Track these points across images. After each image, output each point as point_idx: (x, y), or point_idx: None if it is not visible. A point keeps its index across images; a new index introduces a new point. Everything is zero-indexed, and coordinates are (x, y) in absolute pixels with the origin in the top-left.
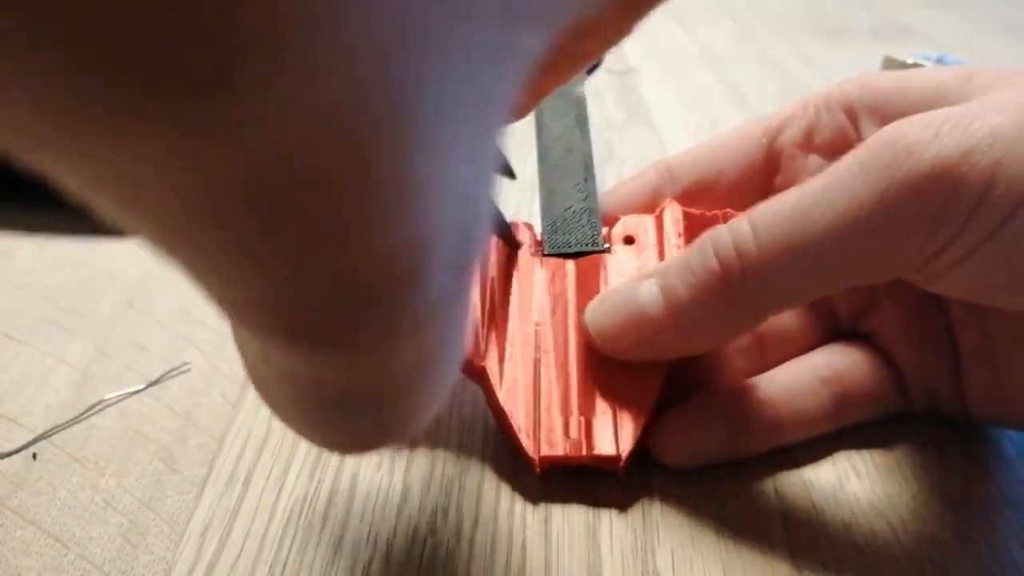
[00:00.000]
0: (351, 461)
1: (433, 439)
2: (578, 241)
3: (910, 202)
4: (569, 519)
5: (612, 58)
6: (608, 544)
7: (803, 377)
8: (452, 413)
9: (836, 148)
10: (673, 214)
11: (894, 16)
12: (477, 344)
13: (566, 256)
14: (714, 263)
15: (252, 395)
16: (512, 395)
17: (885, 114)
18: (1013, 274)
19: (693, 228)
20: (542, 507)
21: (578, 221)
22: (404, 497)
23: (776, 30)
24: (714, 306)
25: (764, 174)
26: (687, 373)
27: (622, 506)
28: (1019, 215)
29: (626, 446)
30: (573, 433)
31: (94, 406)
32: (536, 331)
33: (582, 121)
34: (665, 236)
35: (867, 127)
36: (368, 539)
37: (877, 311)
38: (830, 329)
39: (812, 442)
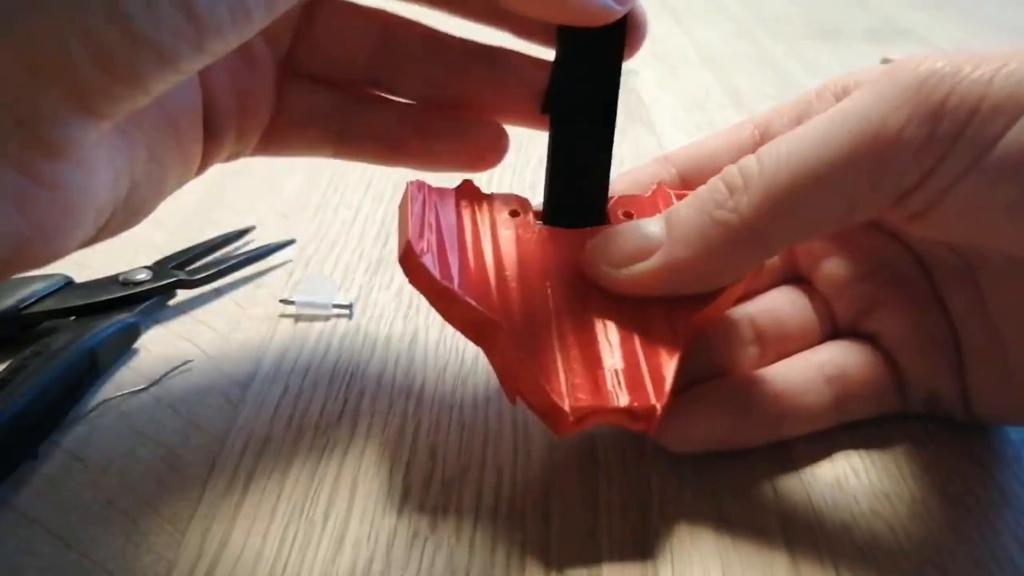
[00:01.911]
0: (352, 461)
1: (433, 439)
2: (583, 213)
3: (902, 114)
4: (569, 518)
5: None
6: (608, 544)
7: (808, 373)
8: (452, 413)
9: None
10: (664, 196)
11: (892, 18)
12: (489, 300)
13: (568, 227)
14: (720, 186)
15: (253, 395)
16: (532, 348)
17: None
18: (1012, 198)
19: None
20: (542, 507)
21: (585, 193)
22: (404, 497)
23: (774, 32)
24: (717, 227)
25: None
26: (690, 365)
27: (622, 506)
28: (1013, 133)
29: (662, 396)
30: (608, 385)
31: (96, 406)
32: (549, 291)
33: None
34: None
35: None
36: (368, 538)
37: (878, 313)
38: (829, 329)
39: (811, 442)
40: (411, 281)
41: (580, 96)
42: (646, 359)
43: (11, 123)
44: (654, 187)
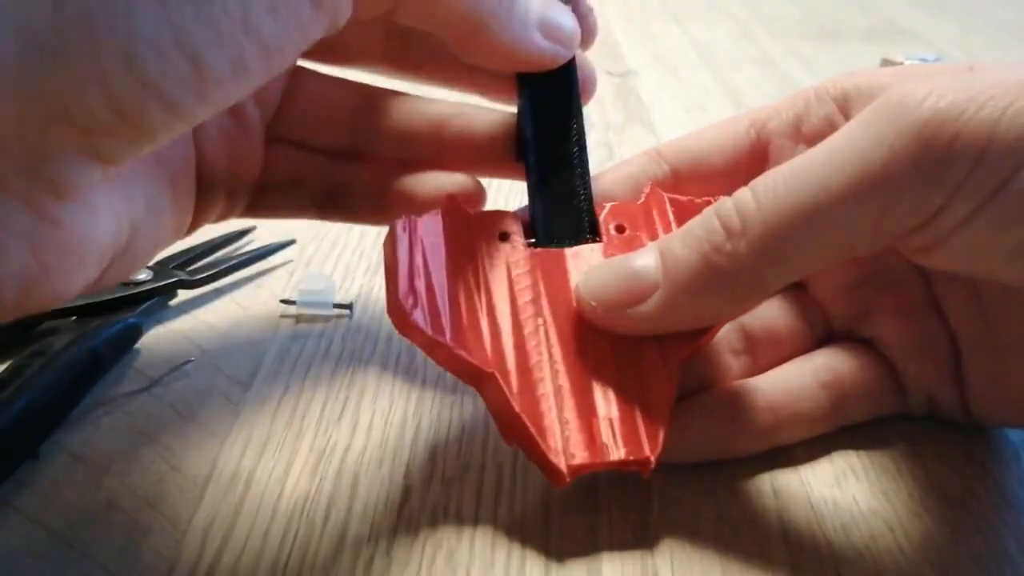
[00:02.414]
0: (352, 461)
1: (433, 439)
2: (571, 231)
3: (906, 157)
4: (569, 519)
5: (611, 61)
6: (608, 544)
7: (803, 380)
8: (452, 413)
9: (825, 136)
10: (658, 202)
11: (891, 18)
12: (481, 349)
13: (558, 246)
14: (716, 226)
15: (254, 395)
16: (527, 401)
17: None
18: (1017, 241)
19: (683, 215)
20: (542, 507)
21: (570, 210)
22: (405, 496)
23: (773, 32)
24: (715, 271)
25: (751, 163)
26: (683, 375)
27: (622, 506)
28: (1023, 177)
29: (656, 446)
30: (603, 437)
31: (98, 405)
32: (540, 329)
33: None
34: (656, 224)
35: None
36: (369, 538)
37: (875, 317)
38: (822, 333)
39: (811, 443)
40: (401, 333)
41: (547, 136)
42: (641, 405)
43: (24, 163)
44: (647, 191)
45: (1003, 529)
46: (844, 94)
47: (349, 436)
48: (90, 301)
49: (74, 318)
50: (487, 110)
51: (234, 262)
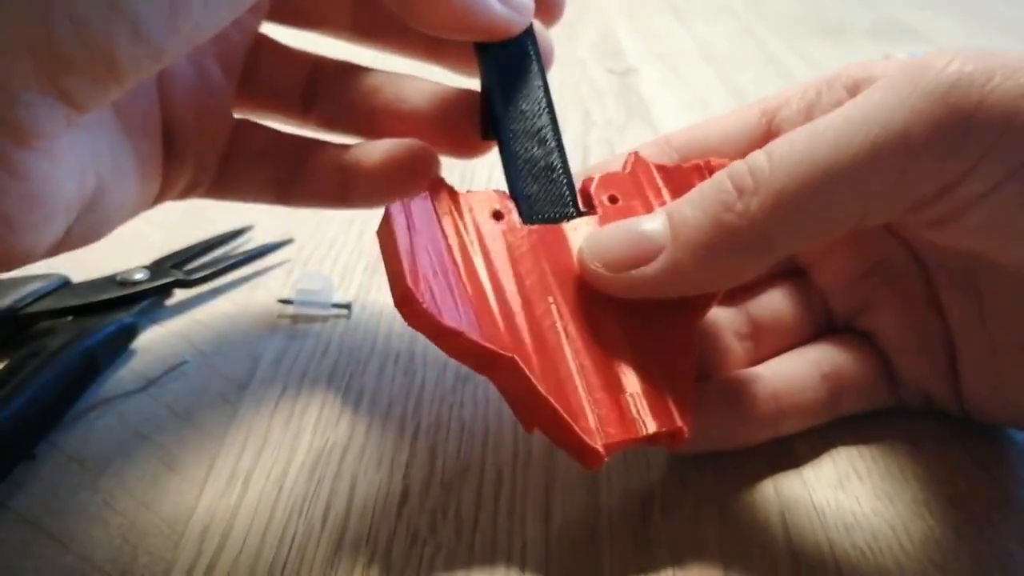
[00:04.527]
0: (351, 461)
1: (433, 439)
2: (555, 206)
3: (927, 120)
4: (569, 520)
5: (612, 58)
6: (608, 545)
7: (804, 370)
8: (451, 414)
9: None
10: (644, 170)
11: (894, 15)
12: (497, 334)
13: (546, 222)
14: (728, 185)
15: (252, 395)
16: (551, 383)
17: None
18: None
19: (672, 182)
20: (542, 508)
21: (553, 185)
22: (404, 497)
23: (776, 29)
24: (724, 231)
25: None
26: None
27: (622, 507)
28: None
29: (687, 415)
30: (632, 412)
31: (94, 406)
32: (552, 308)
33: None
34: (647, 191)
35: None
36: (368, 540)
37: (875, 311)
38: (823, 324)
39: (814, 443)
40: (410, 324)
41: (516, 110)
42: (663, 376)
43: None
44: (630, 160)
45: (1006, 530)
46: (857, 84)
47: (347, 436)
48: (86, 301)
49: (70, 318)
50: (425, 81)
51: (231, 261)
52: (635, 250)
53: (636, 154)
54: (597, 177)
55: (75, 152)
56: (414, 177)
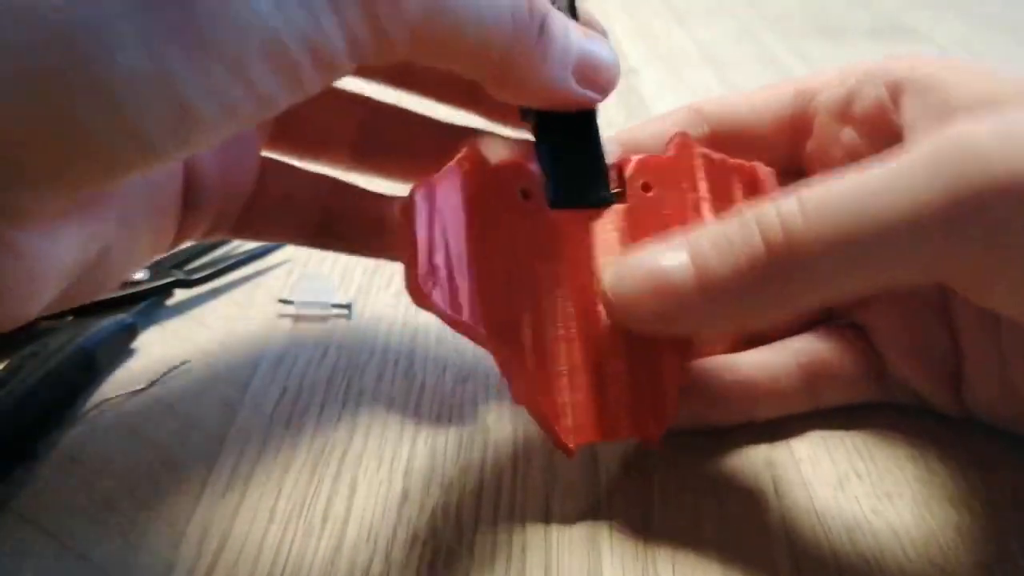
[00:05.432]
0: (351, 462)
1: (433, 440)
2: (587, 191)
3: (973, 212)
4: (569, 521)
5: None
6: (608, 546)
7: (781, 359)
8: (451, 414)
9: (873, 123)
10: (688, 156)
11: (895, 16)
12: (500, 328)
13: (575, 206)
14: (756, 238)
15: (252, 395)
16: (542, 378)
17: (934, 101)
18: None
19: (714, 175)
20: (542, 509)
21: (584, 169)
22: (404, 499)
23: (776, 30)
24: (749, 283)
25: (792, 132)
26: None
27: (622, 508)
28: None
29: (663, 425)
30: (612, 416)
31: (95, 406)
32: (558, 301)
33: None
34: (685, 183)
35: (910, 108)
36: (367, 541)
37: (874, 306)
38: (822, 312)
39: (814, 443)
40: (418, 305)
41: (571, 165)
42: (651, 381)
43: None
44: (676, 140)
45: (1007, 531)
46: (896, 82)
47: (347, 437)
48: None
49: (70, 318)
50: (501, 136)
51: (232, 261)
52: (656, 294)
53: (684, 136)
54: (634, 161)
55: (78, 223)
56: None
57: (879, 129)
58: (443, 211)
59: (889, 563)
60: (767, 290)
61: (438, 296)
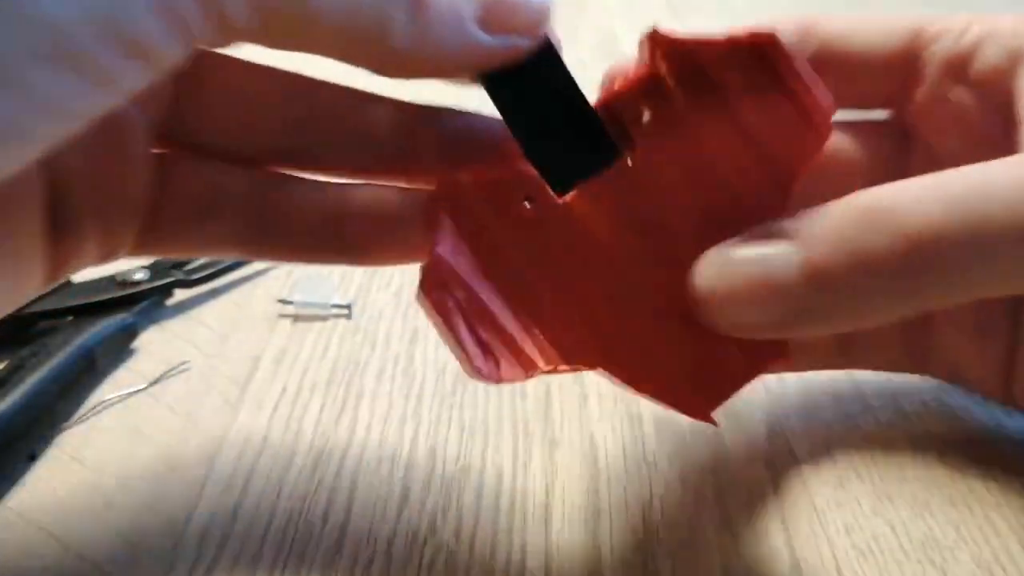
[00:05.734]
0: (351, 462)
1: (433, 440)
2: (592, 155)
3: None
4: (569, 520)
5: (613, 60)
6: (608, 545)
7: None
8: (451, 414)
9: (987, 87)
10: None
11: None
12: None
13: (582, 180)
14: (876, 224)
15: (252, 395)
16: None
17: None
18: None
19: (676, 59)
20: (542, 508)
21: (578, 137)
22: (404, 497)
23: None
24: (865, 278)
25: (902, 69)
26: None
27: (622, 507)
28: None
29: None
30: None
31: (94, 406)
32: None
33: None
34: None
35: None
36: (368, 539)
37: None
38: None
39: (814, 442)
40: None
41: (551, 131)
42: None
43: None
44: (644, 44)
45: (1006, 531)
46: (1014, 54)
47: (348, 437)
48: (86, 301)
49: (70, 318)
50: (472, 114)
51: (231, 261)
52: (760, 294)
53: (655, 32)
54: (617, 84)
55: None
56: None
57: (992, 96)
58: (459, 276)
59: (889, 563)
60: (888, 288)
61: (491, 373)
